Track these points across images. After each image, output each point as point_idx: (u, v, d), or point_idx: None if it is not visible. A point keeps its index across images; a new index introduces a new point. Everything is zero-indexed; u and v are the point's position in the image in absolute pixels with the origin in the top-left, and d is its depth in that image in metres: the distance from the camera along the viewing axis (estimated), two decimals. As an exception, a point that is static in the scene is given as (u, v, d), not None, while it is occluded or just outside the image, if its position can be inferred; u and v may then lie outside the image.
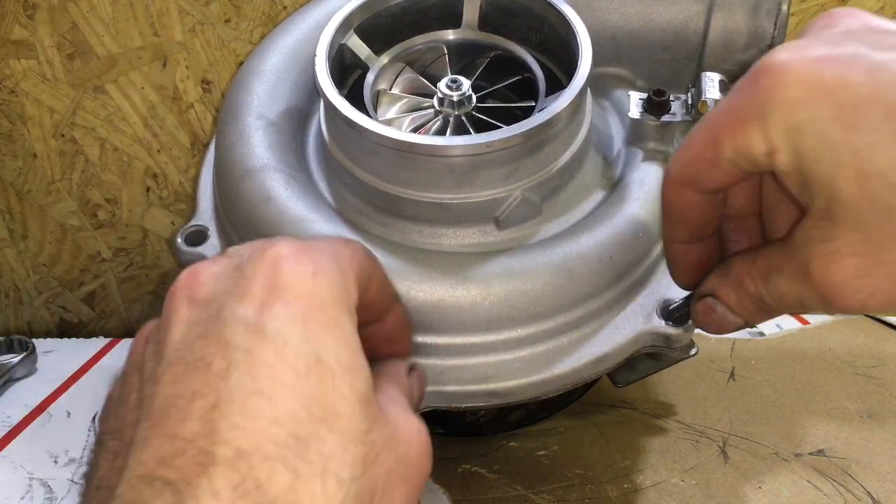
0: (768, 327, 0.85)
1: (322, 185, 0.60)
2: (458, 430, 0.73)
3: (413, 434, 0.38)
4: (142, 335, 0.38)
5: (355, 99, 0.58)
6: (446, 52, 0.64)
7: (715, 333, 0.49)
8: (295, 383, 0.33)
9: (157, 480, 0.31)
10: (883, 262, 0.36)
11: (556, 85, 0.60)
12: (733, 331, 0.47)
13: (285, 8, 0.82)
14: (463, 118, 0.59)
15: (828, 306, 0.39)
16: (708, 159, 0.41)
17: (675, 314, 0.55)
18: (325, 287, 0.36)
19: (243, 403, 0.32)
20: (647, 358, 0.60)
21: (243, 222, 0.58)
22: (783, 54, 0.37)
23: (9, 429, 0.78)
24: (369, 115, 0.56)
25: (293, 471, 0.31)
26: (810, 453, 0.70)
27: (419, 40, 0.64)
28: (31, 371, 0.86)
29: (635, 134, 0.60)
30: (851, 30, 0.38)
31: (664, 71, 0.63)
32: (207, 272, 0.37)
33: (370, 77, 0.62)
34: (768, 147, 0.37)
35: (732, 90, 0.39)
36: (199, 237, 0.62)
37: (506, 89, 0.62)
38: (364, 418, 0.34)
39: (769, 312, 0.44)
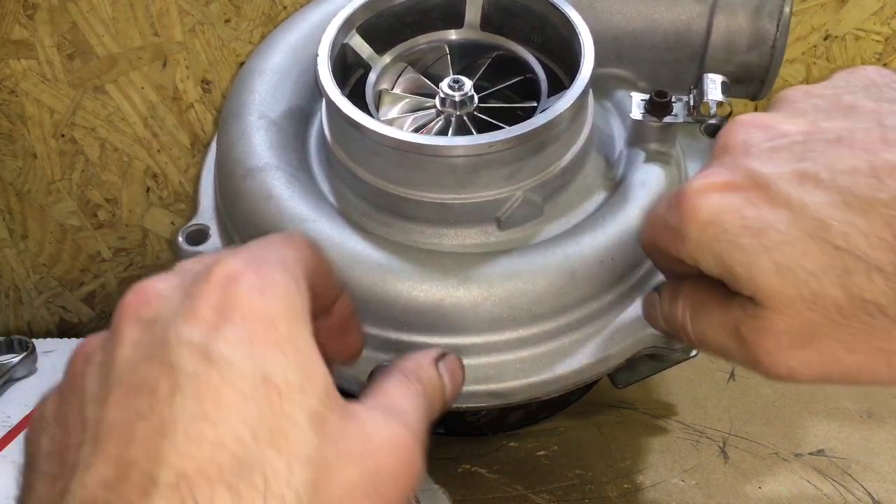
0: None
1: (324, 185, 0.60)
2: (458, 430, 0.73)
3: (386, 445, 0.36)
4: (80, 353, 0.37)
5: (357, 99, 0.58)
6: (448, 52, 0.64)
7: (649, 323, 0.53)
8: (240, 406, 0.32)
9: None
10: (816, 338, 0.39)
11: (558, 86, 0.60)
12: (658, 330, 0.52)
13: (285, 8, 0.82)
14: (465, 118, 0.59)
15: (754, 365, 0.42)
16: (655, 247, 0.46)
17: None
18: (274, 303, 0.35)
19: (187, 427, 0.32)
20: (648, 359, 0.60)
21: (244, 221, 0.58)
22: (698, 183, 0.42)
23: (9, 429, 0.78)
24: (371, 115, 0.56)
25: (236, 494, 0.31)
26: (810, 453, 0.70)
27: (421, 40, 0.64)
28: (31, 371, 0.86)
29: (637, 135, 0.59)
30: (748, 144, 0.42)
31: (666, 72, 0.63)
32: (153, 290, 0.37)
33: (372, 77, 0.62)
34: (692, 258, 0.42)
35: (665, 200, 0.45)
36: (200, 236, 0.62)
37: (508, 90, 0.62)
38: (314, 438, 0.33)
39: (686, 341, 0.47)
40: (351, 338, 0.46)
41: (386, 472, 0.35)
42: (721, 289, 0.44)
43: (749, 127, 0.43)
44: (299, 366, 0.34)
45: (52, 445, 0.35)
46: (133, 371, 0.34)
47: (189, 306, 0.35)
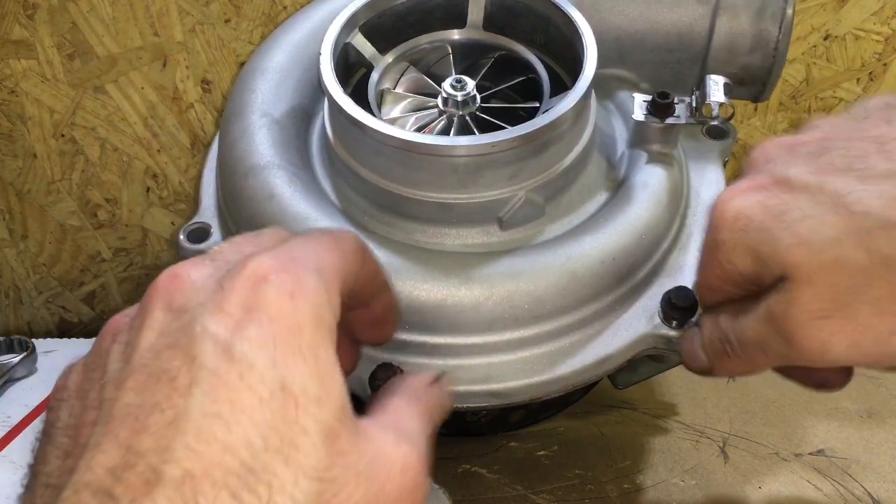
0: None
1: (325, 184, 0.60)
2: (458, 430, 0.73)
3: (396, 469, 0.36)
4: (110, 328, 0.38)
5: (359, 98, 0.58)
6: (450, 51, 0.64)
7: (687, 366, 0.53)
8: (255, 410, 0.32)
9: (101, 492, 0.30)
10: (847, 305, 0.40)
11: (560, 86, 0.60)
12: (697, 371, 0.52)
13: (285, 8, 0.82)
14: (467, 118, 0.59)
15: (789, 346, 0.42)
16: (713, 289, 0.48)
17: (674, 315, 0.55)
18: (303, 309, 0.35)
19: (200, 424, 0.31)
20: (649, 360, 0.60)
21: (246, 220, 0.58)
22: (725, 193, 0.45)
23: (9, 429, 0.78)
24: (373, 114, 0.56)
25: (238, 501, 0.31)
26: (810, 453, 0.70)
27: (424, 40, 0.64)
28: (31, 371, 0.86)
29: (639, 136, 0.60)
30: (769, 157, 0.45)
31: (668, 73, 0.63)
32: (187, 278, 0.36)
33: (374, 76, 0.62)
34: (730, 261, 0.44)
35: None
36: (201, 234, 0.62)
37: (510, 90, 0.62)
38: (325, 453, 0.33)
39: (732, 356, 0.47)
40: (384, 330, 0.47)
41: (392, 493, 0.35)
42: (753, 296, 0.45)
43: (770, 145, 0.46)
44: (319, 378, 0.34)
45: (69, 419, 0.35)
46: (155, 357, 0.34)
47: (218, 300, 0.35)
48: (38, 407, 0.80)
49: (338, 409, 0.34)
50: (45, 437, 0.36)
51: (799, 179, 0.41)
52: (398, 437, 0.37)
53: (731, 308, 0.47)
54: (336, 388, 0.35)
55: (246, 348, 0.33)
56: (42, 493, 0.34)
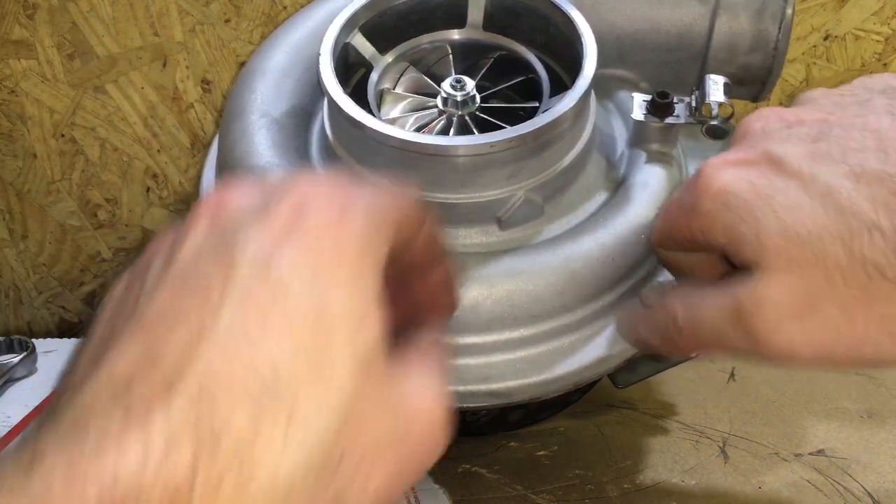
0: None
1: (325, 185, 0.60)
2: (458, 430, 0.73)
3: (423, 414, 0.35)
4: (157, 240, 0.37)
5: (359, 98, 0.58)
6: (450, 51, 0.64)
7: (625, 339, 0.53)
8: (285, 334, 0.31)
9: (117, 396, 0.30)
10: (817, 306, 0.39)
11: (560, 86, 0.60)
12: (634, 344, 0.52)
13: (285, 8, 0.82)
14: (466, 118, 0.59)
15: (753, 344, 0.41)
16: (668, 235, 0.48)
17: None
18: (347, 239, 0.34)
19: (225, 341, 0.31)
20: (648, 360, 0.60)
21: (246, 221, 0.58)
22: (714, 161, 0.44)
23: (9, 429, 0.78)
24: (373, 114, 0.56)
25: (254, 423, 0.30)
26: (810, 453, 0.70)
27: (424, 40, 0.64)
28: (31, 371, 0.85)
29: (639, 135, 0.60)
30: (767, 130, 0.44)
31: (668, 73, 0.63)
32: (234, 199, 0.36)
33: (374, 76, 0.62)
34: (702, 230, 0.44)
35: (683, 185, 0.47)
36: (201, 235, 0.62)
37: (509, 90, 0.62)
38: (352, 386, 0.32)
39: (679, 340, 0.46)
40: (444, 303, 0.44)
41: (412, 439, 0.34)
42: (716, 274, 0.45)
43: (768, 116, 0.45)
44: (358, 310, 0.33)
45: (105, 330, 0.34)
46: (191, 268, 0.33)
47: (261, 218, 0.34)
48: (37, 407, 0.80)
49: (373, 344, 0.33)
50: (82, 345, 0.35)
51: (792, 164, 0.41)
52: (425, 383, 0.36)
53: (682, 289, 0.47)
54: (374, 321, 0.33)
55: (283, 269, 0.32)
56: (64, 394, 0.33)
